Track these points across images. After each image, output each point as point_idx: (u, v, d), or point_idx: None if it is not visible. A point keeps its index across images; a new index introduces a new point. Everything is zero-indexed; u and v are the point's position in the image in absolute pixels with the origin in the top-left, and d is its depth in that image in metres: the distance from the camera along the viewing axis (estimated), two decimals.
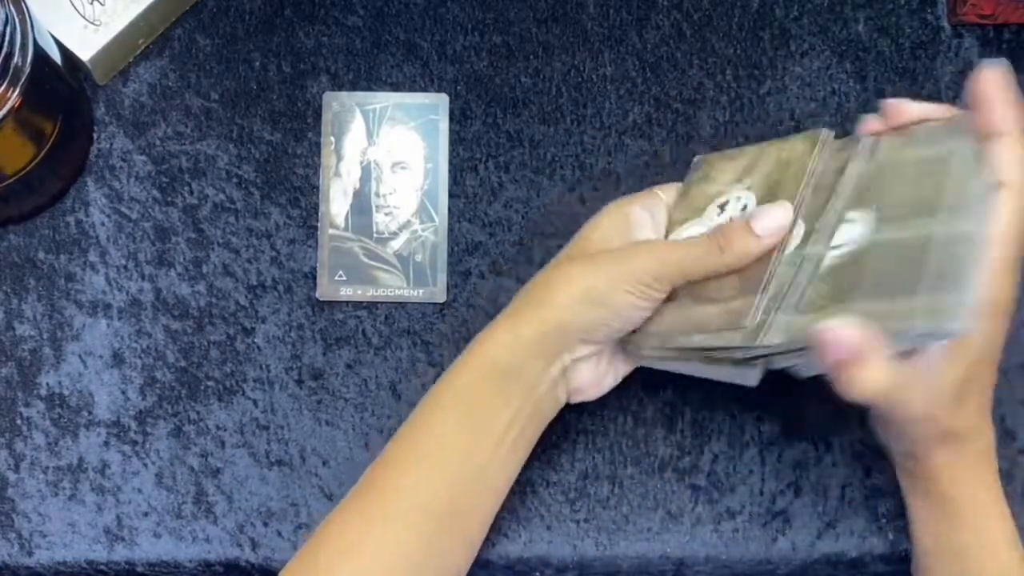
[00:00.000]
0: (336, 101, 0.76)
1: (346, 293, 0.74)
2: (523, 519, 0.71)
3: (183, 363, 0.73)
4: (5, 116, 0.65)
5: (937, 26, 0.77)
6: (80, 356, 0.73)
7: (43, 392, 0.73)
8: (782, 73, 0.77)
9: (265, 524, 0.71)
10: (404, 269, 0.74)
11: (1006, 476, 0.65)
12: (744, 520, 0.71)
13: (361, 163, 0.76)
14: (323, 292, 0.74)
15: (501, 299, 0.74)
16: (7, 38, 0.64)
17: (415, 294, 0.74)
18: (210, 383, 0.73)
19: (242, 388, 0.73)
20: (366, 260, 0.74)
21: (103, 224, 0.74)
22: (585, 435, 0.72)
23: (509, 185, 0.75)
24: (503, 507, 0.65)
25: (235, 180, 0.75)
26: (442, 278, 0.74)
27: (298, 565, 0.62)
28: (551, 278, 0.64)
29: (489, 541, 0.66)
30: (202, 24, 0.77)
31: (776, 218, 0.62)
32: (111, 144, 0.75)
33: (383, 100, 0.76)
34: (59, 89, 0.71)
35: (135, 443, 0.72)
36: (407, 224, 0.75)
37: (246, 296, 0.74)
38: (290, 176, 0.75)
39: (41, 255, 0.74)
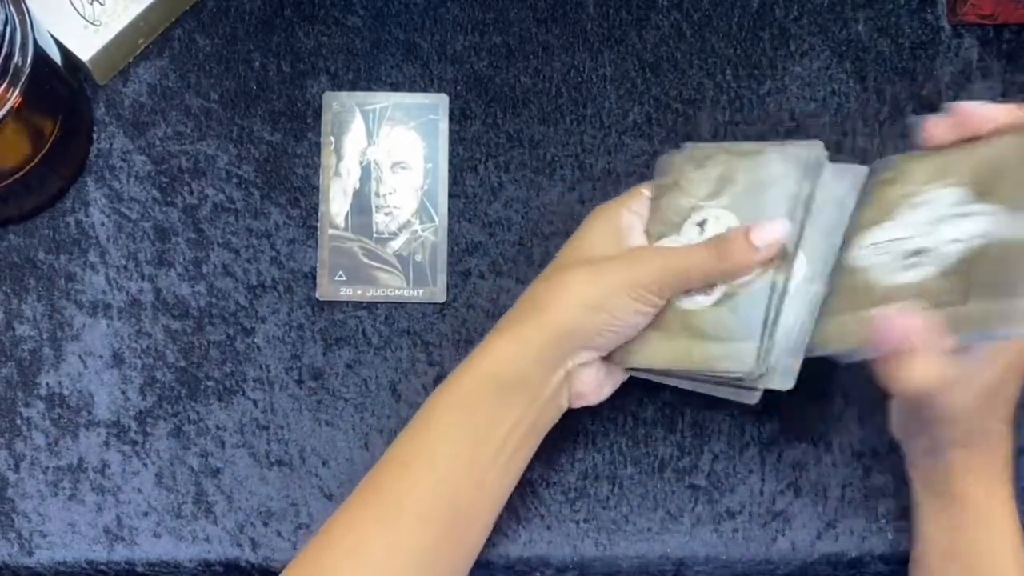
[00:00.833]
0: (336, 101, 0.76)
1: (346, 293, 0.74)
2: (523, 519, 0.71)
3: (183, 363, 0.73)
4: (5, 116, 0.65)
5: (937, 26, 0.77)
6: (80, 356, 0.73)
7: (43, 392, 0.73)
8: (782, 73, 0.77)
9: (265, 524, 0.71)
10: (404, 269, 0.74)
11: None
12: (744, 520, 0.71)
13: (361, 163, 0.76)
14: (323, 292, 0.74)
15: (501, 299, 0.74)
16: (7, 38, 0.64)
17: (415, 294, 0.74)
18: (210, 383, 0.73)
19: (242, 388, 0.73)
20: (366, 260, 0.74)
21: (103, 224, 0.74)
22: (585, 435, 0.72)
23: (509, 185, 0.75)
24: (503, 507, 0.65)
25: (235, 180, 0.75)
26: (442, 278, 0.74)
27: (300, 566, 0.62)
28: (552, 285, 0.64)
29: (489, 541, 0.66)
30: (202, 24, 0.77)
31: (774, 232, 0.62)
32: (111, 144, 0.75)
33: (383, 100, 0.76)
34: (59, 89, 0.71)
35: (135, 443, 0.72)
36: (407, 224, 0.75)
37: (246, 296, 0.74)
38: (290, 176, 0.75)
39: (41, 255, 0.74)
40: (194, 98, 0.76)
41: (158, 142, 0.76)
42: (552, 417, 0.66)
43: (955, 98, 0.76)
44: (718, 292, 0.63)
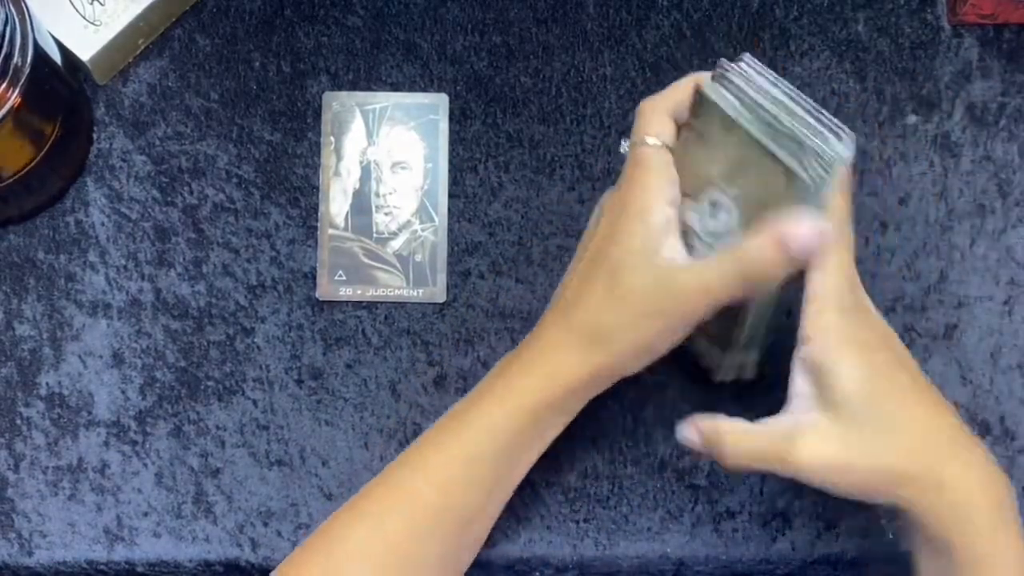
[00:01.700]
0: (336, 101, 0.76)
1: (346, 293, 0.74)
2: (523, 519, 0.71)
3: (183, 363, 0.73)
4: (5, 116, 0.65)
5: (937, 26, 0.77)
6: (80, 356, 0.73)
7: (43, 392, 0.73)
8: (782, 73, 0.76)
9: (265, 524, 0.71)
10: (404, 269, 0.74)
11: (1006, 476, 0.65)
12: (744, 520, 0.71)
13: (361, 163, 0.76)
14: (323, 292, 0.74)
15: (501, 299, 0.74)
16: (7, 38, 0.64)
17: (415, 294, 0.74)
18: (210, 383, 0.73)
19: (242, 388, 0.73)
20: (366, 260, 0.74)
21: (103, 224, 0.74)
22: (585, 435, 0.72)
23: (509, 185, 0.75)
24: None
25: (235, 180, 0.75)
26: (442, 278, 0.74)
27: (305, 558, 0.62)
28: (602, 321, 0.61)
29: (489, 541, 0.66)
30: (202, 24, 0.77)
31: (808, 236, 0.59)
32: (111, 144, 0.75)
33: (383, 100, 0.76)
34: (59, 89, 0.71)
35: (135, 443, 0.72)
36: (407, 224, 0.75)
37: (246, 296, 0.74)
38: (290, 176, 0.75)
39: (41, 255, 0.74)
40: (194, 98, 0.76)
41: (158, 142, 0.76)
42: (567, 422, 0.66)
43: (955, 98, 0.76)
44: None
